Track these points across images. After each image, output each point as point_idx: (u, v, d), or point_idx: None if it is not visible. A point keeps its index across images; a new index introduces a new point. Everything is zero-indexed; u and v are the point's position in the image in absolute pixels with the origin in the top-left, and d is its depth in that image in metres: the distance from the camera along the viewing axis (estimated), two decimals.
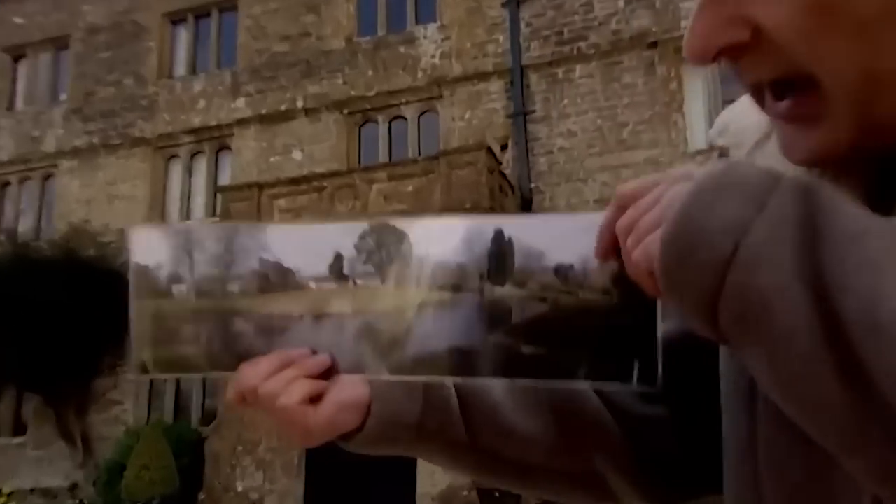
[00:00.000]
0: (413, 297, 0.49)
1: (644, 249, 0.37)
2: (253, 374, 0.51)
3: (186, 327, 0.52)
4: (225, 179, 10.72)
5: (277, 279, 0.51)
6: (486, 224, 0.46)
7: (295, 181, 9.08)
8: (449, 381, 0.54)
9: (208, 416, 9.57)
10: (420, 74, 10.25)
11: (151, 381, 9.82)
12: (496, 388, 0.55)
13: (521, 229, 0.46)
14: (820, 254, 0.31)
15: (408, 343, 0.49)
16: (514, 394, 0.55)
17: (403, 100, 10.36)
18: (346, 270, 0.50)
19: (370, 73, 10.45)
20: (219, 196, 9.93)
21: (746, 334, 0.33)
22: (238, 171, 10.62)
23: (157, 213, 10.91)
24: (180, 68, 11.76)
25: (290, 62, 10.90)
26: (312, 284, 0.51)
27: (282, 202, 8.82)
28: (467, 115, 9.95)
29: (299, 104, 10.70)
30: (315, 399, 0.51)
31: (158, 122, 11.25)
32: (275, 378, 0.51)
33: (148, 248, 0.53)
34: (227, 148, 11.15)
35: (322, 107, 10.60)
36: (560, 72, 9.58)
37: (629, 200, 0.40)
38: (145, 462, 8.42)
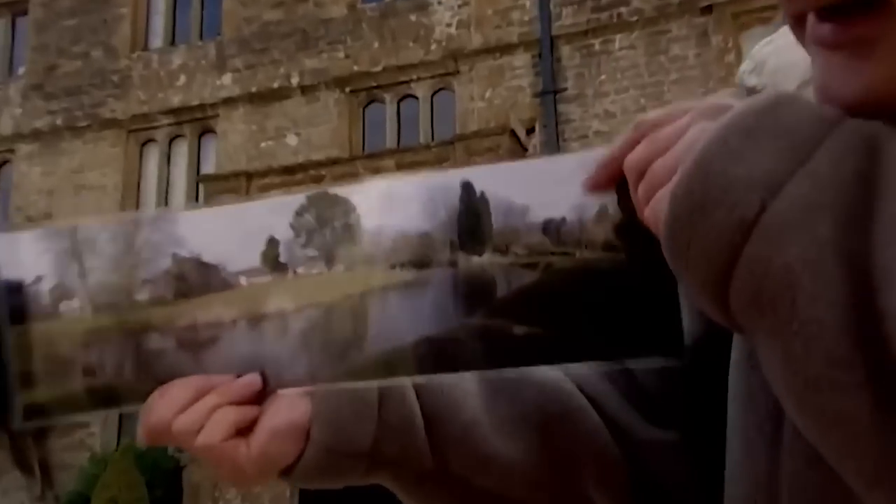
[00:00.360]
0: (368, 281, 0.47)
1: (654, 205, 0.35)
2: (164, 406, 0.48)
3: (84, 353, 0.49)
4: (209, 167, 10.86)
5: (198, 279, 0.49)
6: (451, 179, 0.44)
7: (289, 170, 9.15)
8: (419, 380, 0.52)
9: None
10: (433, 46, 10.27)
11: None
12: (471, 400, 0.53)
13: (495, 180, 0.43)
14: (871, 229, 0.28)
15: (366, 340, 0.48)
16: (492, 410, 0.53)
17: (414, 76, 10.39)
18: (282, 258, 0.48)
19: (376, 44, 10.50)
20: (201, 186, 10.04)
21: (761, 319, 0.30)
22: (224, 158, 10.75)
23: (130, 204, 11.06)
24: (157, 39, 11.92)
25: (284, 32, 10.98)
26: (243, 280, 0.49)
27: (274, 194, 8.88)
28: (488, 94, 9.94)
29: (294, 81, 10.78)
30: (247, 429, 0.48)
31: (132, 100, 11.39)
32: (192, 410, 0.48)
33: (18, 259, 0.49)
34: (212, 131, 11.26)
35: (320, 84, 10.67)
36: (597, 43, 9.54)
37: (647, 131, 0.37)
38: (114, 494, 8.50)
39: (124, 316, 0.50)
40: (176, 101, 11.24)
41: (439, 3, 10.39)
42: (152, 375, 0.49)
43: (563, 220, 0.42)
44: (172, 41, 11.79)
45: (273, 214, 0.47)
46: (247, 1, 11.18)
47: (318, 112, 10.61)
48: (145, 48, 11.77)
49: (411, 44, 10.39)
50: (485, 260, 0.44)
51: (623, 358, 0.44)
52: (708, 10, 9.01)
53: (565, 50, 9.74)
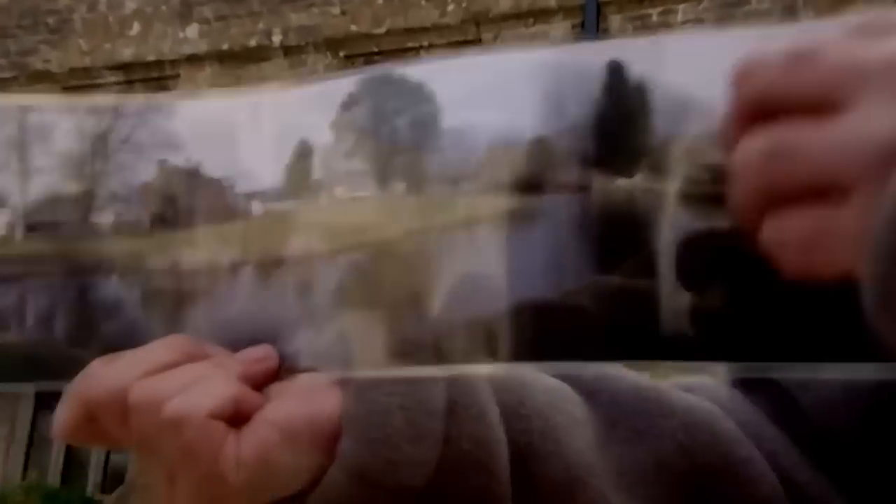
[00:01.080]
0: (445, 211, 0.40)
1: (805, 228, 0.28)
2: (120, 367, 0.40)
3: (0, 291, 0.42)
4: None
5: (191, 199, 0.43)
6: (588, 55, 0.36)
7: None
8: (527, 374, 0.44)
9: (114, 479, 9.58)
10: (451, 7, 10.32)
11: (34, 424, 9.91)
12: (580, 431, 0.45)
13: (666, 60, 0.35)
14: None
15: (433, 303, 0.39)
16: (611, 449, 0.46)
17: (425, 42, 10.42)
18: (316, 173, 0.41)
19: (380, 1, 10.54)
20: None
21: None
22: None
23: None
24: None
25: None
26: (257, 206, 0.42)
27: None
28: None
29: (276, 39, 10.82)
30: (238, 420, 0.40)
31: (71, 50, 11.44)
32: (170, 373, 0.40)
33: None
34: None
35: (308, 45, 10.71)
36: (654, 13, 9.60)
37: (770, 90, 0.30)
38: None
39: (71, 245, 0.43)
40: (127, 54, 11.28)
41: None
42: (97, 338, 0.42)
43: None
44: None
45: (308, 107, 0.41)
46: None
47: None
48: None
49: (424, 2, 10.44)
50: (636, 183, 0.36)
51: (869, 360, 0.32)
52: None
53: (615, 20, 9.80)
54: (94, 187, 0.43)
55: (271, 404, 0.41)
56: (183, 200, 0.43)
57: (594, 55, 0.37)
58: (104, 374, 0.40)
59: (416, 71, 0.40)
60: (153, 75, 11.07)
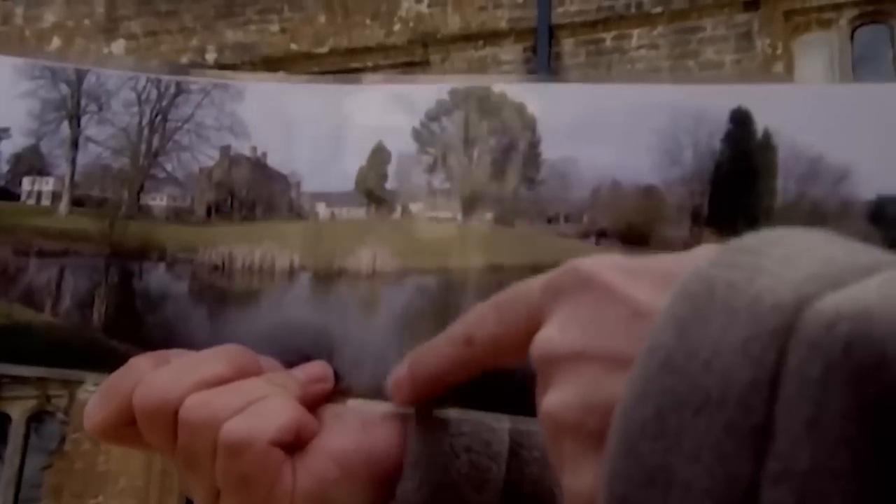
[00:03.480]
0: (535, 248, 0.39)
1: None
2: (170, 374, 0.39)
3: (36, 268, 0.41)
4: None
5: (253, 192, 0.42)
6: (712, 98, 0.35)
7: None
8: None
9: None
10: (398, 27, 10.35)
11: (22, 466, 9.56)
12: None
13: (795, 113, 0.34)
14: None
15: None
16: None
17: (370, 62, 10.42)
18: (391, 182, 0.41)
19: (322, 19, 10.53)
20: None
21: None
22: None
23: None
24: None
25: None
26: (322, 208, 0.42)
27: None
28: None
29: (210, 57, 10.71)
30: (294, 446, 0.40)
31: None
32: (226, 388, 0.39)
33: None
34: None
35: (245, 64, 10.62)
36: (608, 38, 9.73)
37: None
38: None
39: (119, 226, 0.41)
40: None
41: None
42: (135, 331, 0.41)
43: None
44: None
45: (392, 109, 0.40)
46: None
47: None
48: None
49: (369, 21, 10.45)
50: None
51: None
52: (753, 5, 9.27)
53: (567, 43, 9.92)
54: (149, 166, 0.42)
55: (327, 433, 0.41)
56: (243, 192, 0.42)
57: (717, 98, 0.35)
58: (154, 381, 0.39)
59: (519, 90, 0.39)
60: None
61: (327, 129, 0.42)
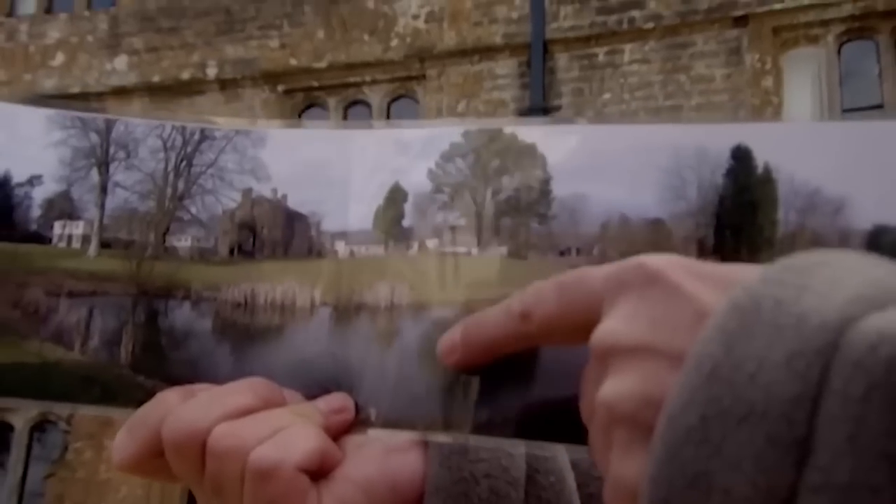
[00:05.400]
0: (549, 275, 0.38)
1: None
2: (199, 406, 0.40)
3: (65, 308, 0.42)
4: None
5: (274, 232, 0.42)
6: (714, 137, 0.36)
7: None
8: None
9: None
10: (395, 42, 10.37)
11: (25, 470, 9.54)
12: None
13: (793, 149, 0.35)
14: None
15: (526, 376, 0.39)
16: None
17: (368, 77, 10.46)
18: (408, 220, 0.42)
19: (321, 34, 10.55)
20: None
21: None
22: None
23: None
24: (28, 3, 11.77)
25: (201, 9, 10.99)
26: (341, 247, 0.43)
27: None
28: (461, 107, 10.04)
29: (211, 72, 10.73)
30: (319, 474, 0.41)
31: None
32: (253, 417, 0.40)
33: (11, 141, 0.42)
34: None
35: (245, 78, 10.65)
36: (601, 52, 9.77)
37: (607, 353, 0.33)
38: None
39: (145, 267, 0.42)
40: (49, 85, 11.05)
41: None
42: (161, 367, 0.42)
43: None
44: (49, 8, 11.68)
45: (407, 152, 0.41)
46: None
47: (240, 113, 10.57)
48: (11, 13, 11.62)
49: (366, 37, 10.47)
50: None
51: None
52: (743, 21, 9.31)
53: (561, 58, 9.94)
54: (174, 209, 0.43)
55: (351, 461, 0.42)
56: (265, 232, 0.43)
57: (718, 137, 0.36)
58: (182, 413, 0.40)
59: (529, 131, 0.40)
60: (76, 108, 10.79)
61: (344, 172, 0.42)
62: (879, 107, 8.74)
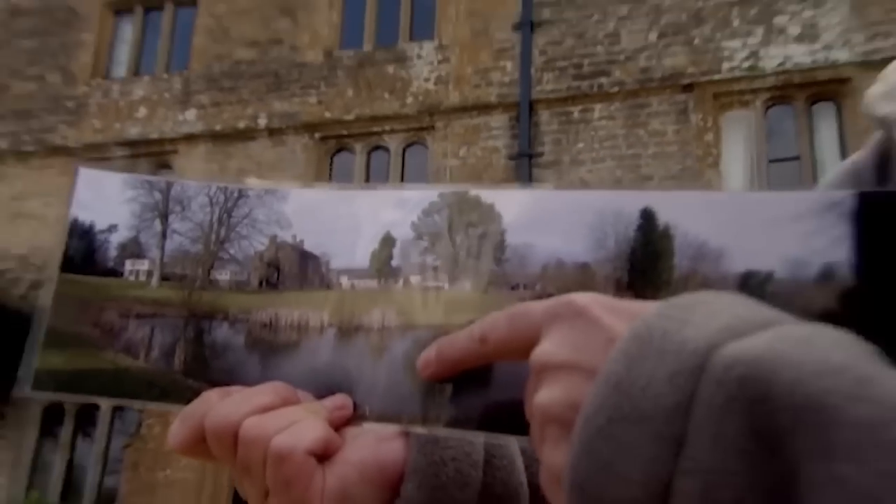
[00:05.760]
0: (500, 310, 0.40)
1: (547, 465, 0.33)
2: (234, 403, 0.42)
3: (134, 327, 0.43)
4: None
5: (293, 269, 0.43)
6: (628, 202, 0.37)
7: None
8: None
9: (106, 500, 9.15)
10: (410, 100, 10.40)
11: (38, 450, 9.48)
12: None
13: (686, 212, 0.36)
14: None
15: (486, 383, 0.40)
16: None
17: (387, 127, 10.47)
18: (396, 261, 0.43)
19: (350, 93, 10.60)
20: None
21: None
22: None
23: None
24: (119, 68, 11.83)
25: (255, 72, 11.03)
26: (345, 281, 0.44)
27: None
28: (462, 152, 10.06)
29: (262, 122, 10.77)
30: (324, 457, 0.42)
31: (86, 129, 11.21)
32: (276, 413, 0.42)
33: (97, 200, 0.44)
34: (168, 167, 11.11)
35: (289, 128, 10.68)
36: (576, 111, 9.78)
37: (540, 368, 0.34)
38: None
39: (195, 295, 0.44)
40: (134, 132, 11.10)
41: (419, 57, 10.58)
42: (205, 373, 0.43)
43: (771, 275, 0.34)
44: (136, 72, 11.72)
45: (396, 208, 0.42)
46: (219, 37, 11.23)
47: (284, 156, 10.59)
48: (106, 76, 11.67)
49: (387, 95, 10.50)
50: None
51: None
52: (689, 87, 9.34)
53: (544, 115, 9.95)
54: (217, 250, 0.45)
55: (350, 447, 0.43)
56: (286, 269, 0.44)
57: (631, 201, 0.38)
58: (220, 409, 0.42)
59: (489, 194, 0.42)
60: (154, 150, 10.89)
61: (349, 222, 0.44)
62: (796, 158, 8.74)
